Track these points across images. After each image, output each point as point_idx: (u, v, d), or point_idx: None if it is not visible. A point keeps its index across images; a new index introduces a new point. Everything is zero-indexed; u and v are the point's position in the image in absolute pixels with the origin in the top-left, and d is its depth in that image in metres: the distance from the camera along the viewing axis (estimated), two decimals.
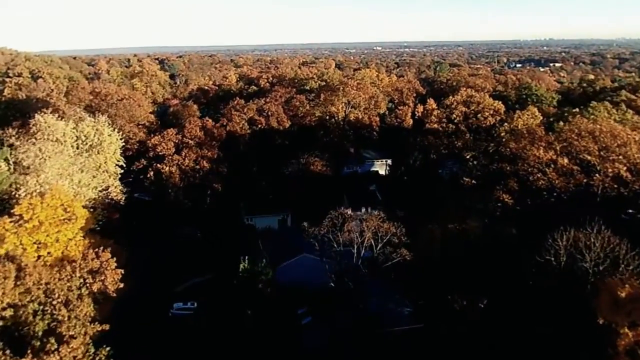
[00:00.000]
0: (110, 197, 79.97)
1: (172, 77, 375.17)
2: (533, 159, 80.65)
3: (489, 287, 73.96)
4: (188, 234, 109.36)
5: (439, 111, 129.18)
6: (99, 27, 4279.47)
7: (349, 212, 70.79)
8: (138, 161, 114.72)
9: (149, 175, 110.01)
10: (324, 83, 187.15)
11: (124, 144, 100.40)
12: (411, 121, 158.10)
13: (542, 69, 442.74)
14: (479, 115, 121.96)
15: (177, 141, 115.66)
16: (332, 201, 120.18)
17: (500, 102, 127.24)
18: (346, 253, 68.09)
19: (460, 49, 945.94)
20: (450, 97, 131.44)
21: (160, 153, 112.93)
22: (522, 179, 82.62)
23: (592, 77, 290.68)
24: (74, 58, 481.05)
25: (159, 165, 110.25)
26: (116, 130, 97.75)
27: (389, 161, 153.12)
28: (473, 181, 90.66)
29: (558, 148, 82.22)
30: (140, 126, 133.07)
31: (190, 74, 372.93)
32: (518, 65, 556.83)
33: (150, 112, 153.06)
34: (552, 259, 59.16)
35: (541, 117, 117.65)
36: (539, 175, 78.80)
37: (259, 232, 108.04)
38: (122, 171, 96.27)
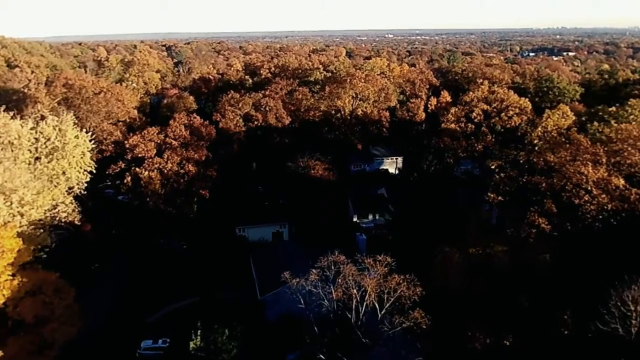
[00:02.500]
0: (57, 218, 66.02)
1: (177, 64, 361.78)
2: (579, 178, 65.65)
3: (515, 327, 61.55)
4: (173, 247, 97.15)
5: (456, 109, 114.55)
6: (110, 13, 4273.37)
7: (343, 258, 54.45)
8: (115, 164, 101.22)
9: (126, 181, 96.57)
10: (329, 74, 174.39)
11: (94, 145, 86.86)
12: (424, 115, 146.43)
13: (555, 58, 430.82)
14: (502, 114, 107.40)
15: (159, 141, 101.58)
16: (334, 208, 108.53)
17: (526, 100, 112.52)
18: (341, 315, 53.18)
19: (472, 37, 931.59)
20: (470, 93, 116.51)
21: (139, 155, 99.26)
22: (560, 197, 67.81)
23: (606, 67, 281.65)
24: (80, 44, 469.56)
25: (137, 169, 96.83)
26: (85, 129, 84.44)
27: (400, 159, 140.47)
28: (500, 197, 76.57)
29: (604, 160, 67.53)
30: (120, 123, 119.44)
31: (194, 62, 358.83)
32: (531, 54, 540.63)
33: (138, 106, 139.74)
34: (618, 325, 44.69)
35: (574, 117, 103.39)
36: (586, 198, 63.78)
37: (252, 245, 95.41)
38: (90, 178, 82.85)
